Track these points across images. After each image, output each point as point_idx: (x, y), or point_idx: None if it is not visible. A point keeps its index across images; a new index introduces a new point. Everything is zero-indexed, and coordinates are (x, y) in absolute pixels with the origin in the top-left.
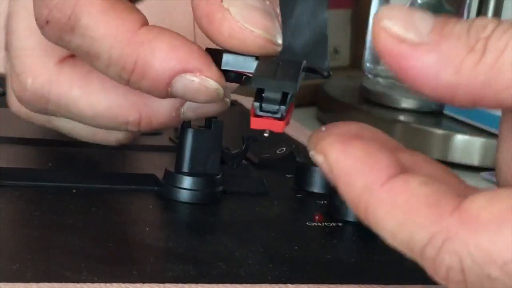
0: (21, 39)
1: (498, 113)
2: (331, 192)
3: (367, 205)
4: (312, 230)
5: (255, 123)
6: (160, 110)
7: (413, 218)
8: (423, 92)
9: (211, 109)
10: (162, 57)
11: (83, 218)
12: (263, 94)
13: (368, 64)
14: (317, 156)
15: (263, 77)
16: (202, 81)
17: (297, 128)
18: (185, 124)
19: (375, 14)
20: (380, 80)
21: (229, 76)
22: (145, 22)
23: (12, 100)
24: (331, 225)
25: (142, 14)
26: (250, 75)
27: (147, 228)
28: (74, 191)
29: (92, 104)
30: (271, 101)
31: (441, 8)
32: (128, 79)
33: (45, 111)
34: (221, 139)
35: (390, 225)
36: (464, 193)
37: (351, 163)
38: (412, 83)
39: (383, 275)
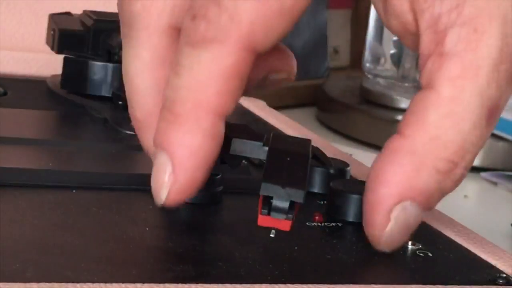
0: None
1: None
2: (331, 192)
3: None
4: (312, 230)
5: (262, 221)
6: None
7: None
8: None
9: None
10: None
11: (83, 218)
12: (272, 201)
13: (367, 64)
14: None
15: (271, 184)
16: None
17: (296, 128)
18: None
19: None
20: (380, 80)
21: (235, 160)
22: None
23: None
24: (331, 225)
25: None
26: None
27: (147, 228)
28: (74, 191)
29: None
30: (279, 209)
31: None
32: None
33: None
34: None
35: None
36: None
37: None
38: None
39: (383, 275)
